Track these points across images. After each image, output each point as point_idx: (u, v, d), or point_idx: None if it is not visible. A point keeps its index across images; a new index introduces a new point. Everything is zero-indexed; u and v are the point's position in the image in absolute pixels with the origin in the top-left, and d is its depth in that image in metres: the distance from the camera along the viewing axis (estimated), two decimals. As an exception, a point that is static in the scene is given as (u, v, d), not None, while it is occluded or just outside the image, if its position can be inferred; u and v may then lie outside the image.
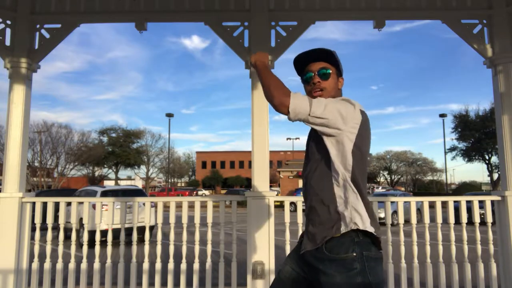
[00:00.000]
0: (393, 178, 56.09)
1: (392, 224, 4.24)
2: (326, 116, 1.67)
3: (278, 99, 1.68)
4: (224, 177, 68.34)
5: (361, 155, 1.75)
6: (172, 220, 4.02)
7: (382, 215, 12.85)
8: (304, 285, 1.88)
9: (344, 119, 1.68)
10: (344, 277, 1.64)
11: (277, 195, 4.08)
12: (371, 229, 1.70)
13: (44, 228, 4.05)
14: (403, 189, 49.45)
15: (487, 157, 35.69)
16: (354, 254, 1.66)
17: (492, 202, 4.08)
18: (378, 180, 57.95)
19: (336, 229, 1.70)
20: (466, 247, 3.99)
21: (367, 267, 1.65)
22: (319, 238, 1.73)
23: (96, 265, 4.00)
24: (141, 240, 7.43)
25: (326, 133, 1.72)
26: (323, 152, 1.78)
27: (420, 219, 4.56)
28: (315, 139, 1.83)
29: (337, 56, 1.93)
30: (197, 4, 4.21)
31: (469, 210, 4.06)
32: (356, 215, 1.70)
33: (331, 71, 1.89)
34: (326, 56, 1.89)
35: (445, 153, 36.72)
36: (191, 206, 4.12)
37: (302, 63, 1.96)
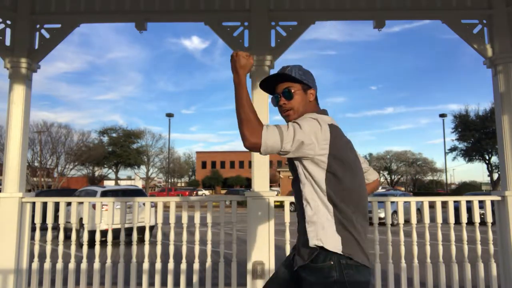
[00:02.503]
0: (393, 178, 56.10)
1: (392, 224, 4.24)
2: (295, 149, 1.70)
3: (249, 141, 1.67)
4: (224, 177, 68.31)
5: (341, 171, 1.74)
6: (172, 220, 4.02)
7: (382, 215, 12.82)
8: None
9: (312, 145, 1.70)
10: (321, 286, 1.70)
11: (277, 195, 4.08)
12: (338, 250, 1.69)
13: (44, 228, 4.05)
14: (403, 189, 49.44)
15: (487, 157, 35.71)
16: (331, 262, 1.69)
17: (492, 202, 4.08)
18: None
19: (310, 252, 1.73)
20: (466, 247, 3.99)
21: (345, 275, 1.68)
22: (305, 255, 1.76)
23: (96, 265, 4.00)
24: (141, 240, 7.43)
25: (299, 158, 1.77)
26: (297, 173, 1.83)
27: (420, 219, 4.56)
28: (290, 160, 1.87)
29: (301, 71, 1.93)
30: (197, 4, 4.21)
31: (469, 210, 4.06)
32: (321, 232, 1.72)
33: (294, 89, 1.90)
34: (286, 76, 1.91)
35: (445, 153, 36.73)
36: (191, 206, 4.12)
37: (271, 86, 1.97)
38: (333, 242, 1.71)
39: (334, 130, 1.77)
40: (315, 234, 1.73)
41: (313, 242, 1.72)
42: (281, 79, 1.93)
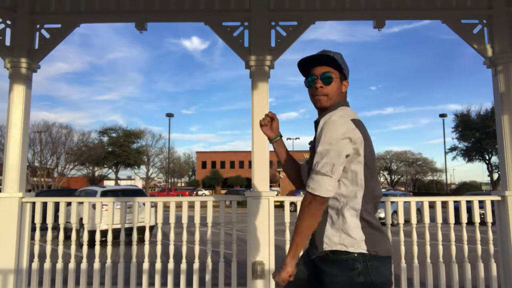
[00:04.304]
0: (393, 178, 56.09)
1: (392, 224, 4.24)
2: (337, 176, 1.70)
3: (318, 203, 1.69)
4: (224, 177, 68.31)
5: (369, 173, 1.76)
6: (172, 220, 4.02)
7: (382, 215, 12.85)
8: (311, 286, 1.90)
9: (355, 152, 1.72)
10: (346, 278, 1.68)
11: (277, 195, 4.08)
12: (362, 249, 1.70)
13: (44, 228, 4.05)
14: (403, 189, 49.41)
15: (487, 157, 35.70)
16: (355, 254, 1.69)
17: (492, 202, 4.08)
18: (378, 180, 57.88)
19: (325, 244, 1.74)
20: (466, 247, 3.99)
21: (370, 266, 1.68)
22: (320, 248, 1.77)
23: (96, 265, 4.00)
24: (141, 240, 7.43)
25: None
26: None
27: (420, 219, 4.55)
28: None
29: (342, 59, 1.92)
30: (197, 4, 4.21)
31: (469, 210, 4.06)
32: (345, 237, 1.72)
33: (333, 76, 1.88)
34: (329, 60, 1.88)
35: (445, 153, 36.74)
36: (191, 206, 4.13)
37: (306, 65, 1.95)
38: (358, 245, 1.71)
39: (358, 125, 1.78)
40: (338, 239, 1.73)
41: (336, 246, 1.72)
42: (324, 61, 1.89)
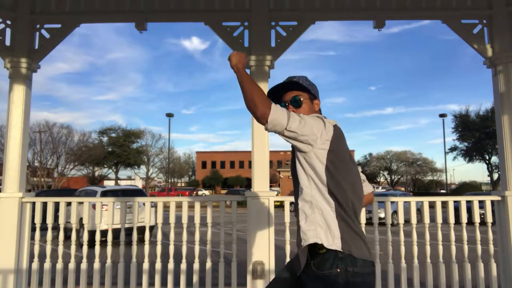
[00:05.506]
0: (393, 178, 56.10)
1: (392, 224, 4.24)
2: (300, 132, 1.74)
3: (261, 111, 1.72)
4: (224, 177, 68.28)
5: (336, 170, 1.79)
6: (172, 220, 4.02)
7: (382, 215, 12.82)
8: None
9: (315, 136, 1.76)
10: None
11: (277, 195, 4.08)
12: (337, 246, 1.71)
13: (44, 228, 4.05)
14: (403, 189, 49.42)
15: (487, 157, 35.72)
16: (338, 270, 1.69)
17: (492, 202, 4.08)
18: (378, 180, 57.95)
19: (302, 248, 1.76)
20: (466, 247, 3.99)
21: (351, 283, 1.69)
22: (300, 260, 1.78)
23: (96, 265, 4.00)
24: (141, 240, 7.42)
25: (299, 148, 1.79)
26: (296, 170, 1.86)
27: (420, 219, 4.55)
28: (293, 158, 1.91)
29: (308, 81, 2.02)
30: (197, 4, 4.22)
31: (469, 210, 4.06)
32: (320, 231, 1.74)
33: (302, 98, 1.98)
34: (296, 85, 1.99)
35: (445, 153, 36.73)
36: (191, 206, 4.13)
37: (277, 95, 2.04)
38: (332, 239, 1.72)
39: (337, 130, 1.84)
40: (314, 233, 1.74)
41: (313, 239, 1.73)
42: (290, 87, 1.99)
